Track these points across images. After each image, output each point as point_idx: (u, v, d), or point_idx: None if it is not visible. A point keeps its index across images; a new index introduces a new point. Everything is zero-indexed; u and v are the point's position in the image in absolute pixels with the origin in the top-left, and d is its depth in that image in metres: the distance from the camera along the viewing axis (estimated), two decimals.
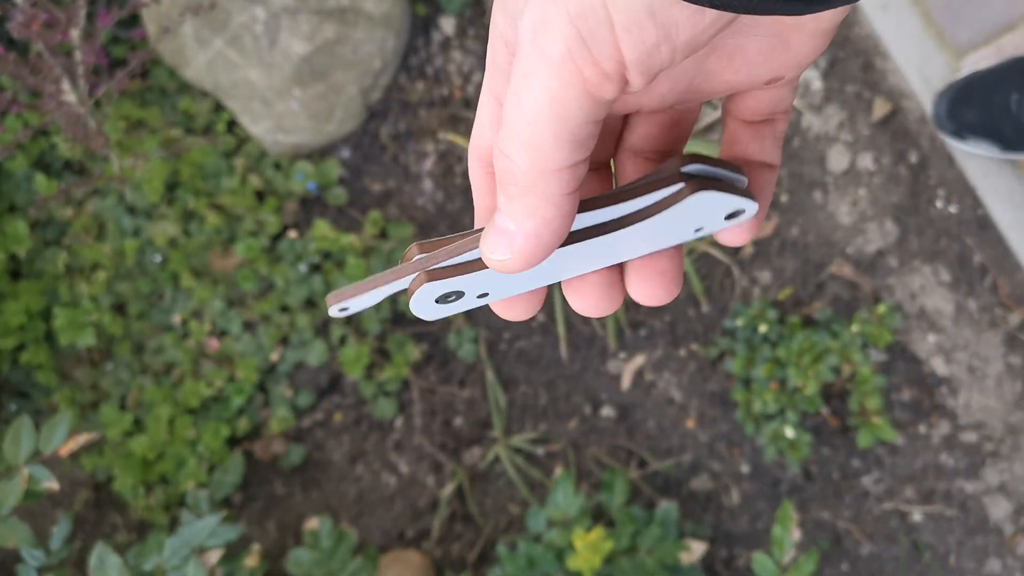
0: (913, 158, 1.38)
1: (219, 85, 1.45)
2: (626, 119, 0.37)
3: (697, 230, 0.34)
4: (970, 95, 1.29)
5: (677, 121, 0.36)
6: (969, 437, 1.37)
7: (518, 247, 0.31)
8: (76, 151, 1.47)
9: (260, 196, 1.51)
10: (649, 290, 0.35)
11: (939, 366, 1.38)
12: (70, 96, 1.21)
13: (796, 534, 1.36)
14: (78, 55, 1.19)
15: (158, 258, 1.50)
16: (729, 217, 0.34)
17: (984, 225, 1.36)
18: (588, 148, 0.29)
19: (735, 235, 0.35)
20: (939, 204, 1.37)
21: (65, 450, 1.04)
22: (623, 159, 0.37)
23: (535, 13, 0.27)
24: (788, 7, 0.26)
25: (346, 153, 1.51)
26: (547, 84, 0.27)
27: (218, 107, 1.51)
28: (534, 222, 0.30)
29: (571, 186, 0.29)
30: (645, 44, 0.27)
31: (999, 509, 1.37)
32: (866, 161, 1.39)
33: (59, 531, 1.03)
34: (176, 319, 1.52)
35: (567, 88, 0.27)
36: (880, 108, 1.38)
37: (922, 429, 1.39)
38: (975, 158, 1.34)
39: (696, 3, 0.26)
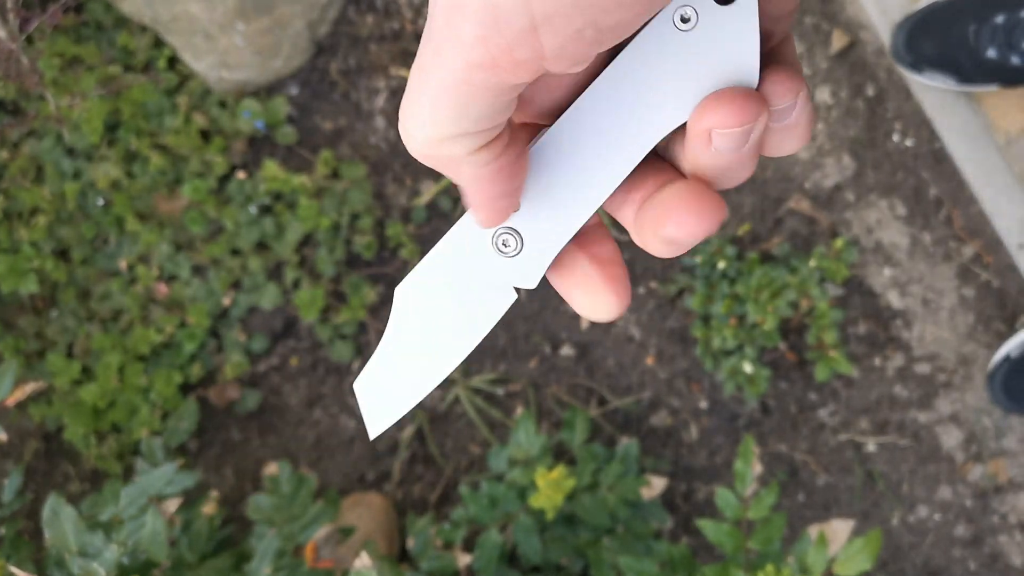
0: (870, 91, 1.37)
1: (158, 19, 1.39)
2: None
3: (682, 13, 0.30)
4: (928, 27, 1.28)
5: None
6: (923, 368, 1.39)
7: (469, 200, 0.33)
8: (9, 90, 1.40)
9: (206, 136, 1.46)
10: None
11: (894, 299, 1.39)
12: None
13: (757, 468, 1.38)
14: None
15: (101, 201, 1.45)
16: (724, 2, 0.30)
17: (940, 158, 1.36)
18: (495, 119, 0.29)
19: (786, 132, 0.31)
20: (896, 138, 1.37)
21: (12, 400, 1.01)
22: None
23: None
24: None
25: (294, 90, 1.46)
26: (455, 66, 0.27)
27: (158, 42, 1.45)
28: (463, 182, 0.31)
29: (474, 144, 0.29)
30: (568, 31, 0.25)
31: (951, 438, 1.40)
32: (824, 95, 1.38)
33: (10, 483, 1.00)
34: (122, 264, 1.47)
35: (474, 71, 0.26)
36: (838, 40, 1.36)
37: (877, 361, 1.40)
38: (932, 91, 1.34)
39: None
